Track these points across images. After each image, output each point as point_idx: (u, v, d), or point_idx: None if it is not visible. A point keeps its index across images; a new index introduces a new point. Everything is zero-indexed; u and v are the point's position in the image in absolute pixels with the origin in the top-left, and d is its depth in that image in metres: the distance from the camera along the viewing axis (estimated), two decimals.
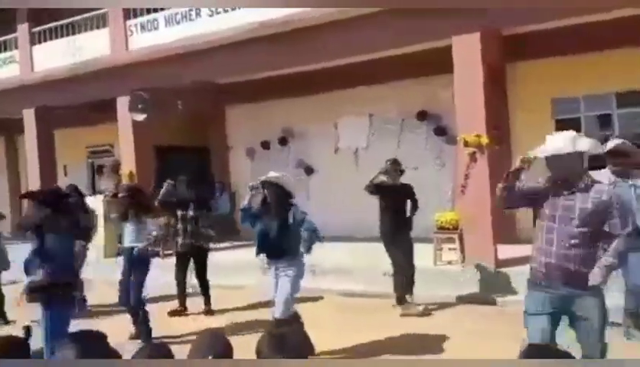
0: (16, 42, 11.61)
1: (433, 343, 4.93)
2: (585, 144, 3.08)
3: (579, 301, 3.01)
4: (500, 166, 7.19)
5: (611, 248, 3.00)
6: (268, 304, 6.08)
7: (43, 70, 11.00)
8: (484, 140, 6.84)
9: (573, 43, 7.45)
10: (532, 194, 3.19)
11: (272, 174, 4.75)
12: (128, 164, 10.25)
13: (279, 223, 4.58)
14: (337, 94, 9.93)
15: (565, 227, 3.01)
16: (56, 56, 10.75)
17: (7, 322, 6.60)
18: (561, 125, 8.20)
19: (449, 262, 7.29)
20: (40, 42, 11.26)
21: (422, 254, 7.02)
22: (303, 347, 2.02)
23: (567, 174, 3.07)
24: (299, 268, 4.64)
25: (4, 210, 14.42)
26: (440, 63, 7.46)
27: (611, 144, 4.64)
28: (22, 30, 11.38)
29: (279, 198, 4.63)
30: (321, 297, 6.28)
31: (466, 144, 6.96)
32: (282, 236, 4.57)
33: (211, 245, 6.85)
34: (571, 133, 3.16)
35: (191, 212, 6.47)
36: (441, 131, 9.23)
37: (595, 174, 4.55)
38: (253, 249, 4.82)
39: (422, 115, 9.41)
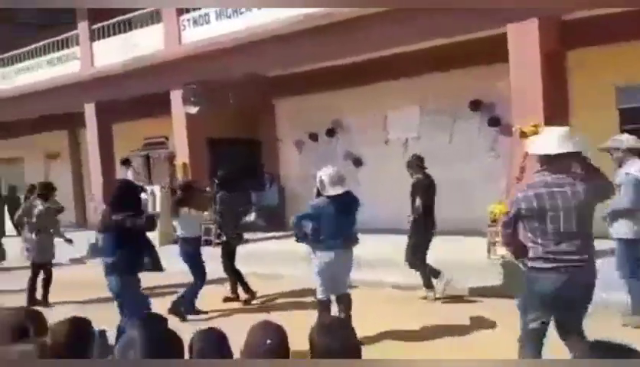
0: (77, 39, 12.14)
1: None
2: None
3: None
4: None
5: None
6: (302, 293, 6.37)
7: (102, 66, 11.45)
8: (542, 130, 6.57)
9: (639, 27, 7.02)
10: None
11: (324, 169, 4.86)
12: (182, 156, 10.55)
13: None
14: (387, 85, 9.80)
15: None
16: (114, 52, 11.16)
17: (48, 305, 6.95)
18: (625, 115, 7.79)
19: (502, 256, 7.08)
20: (99, 39, 11.72)
21: (476, 248, 6.89)
22: (352, 335, 2.04)
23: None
24: (318, 258, 4.79)
25: (68, 199, 15.26)
26: (494, 52, 7.23)
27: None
28: (82, 27, 11.88)
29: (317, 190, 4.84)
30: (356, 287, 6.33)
31: (522, 134, 6.69)
32: None
33: (259, 236, 7.02)
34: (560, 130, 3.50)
35: (219, 208, 6.80)
36: (495, 122, 8.95)
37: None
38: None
39: (475, 105, 9.15)
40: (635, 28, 7.07)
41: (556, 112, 6.93)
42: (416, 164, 6.20)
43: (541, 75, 6.65)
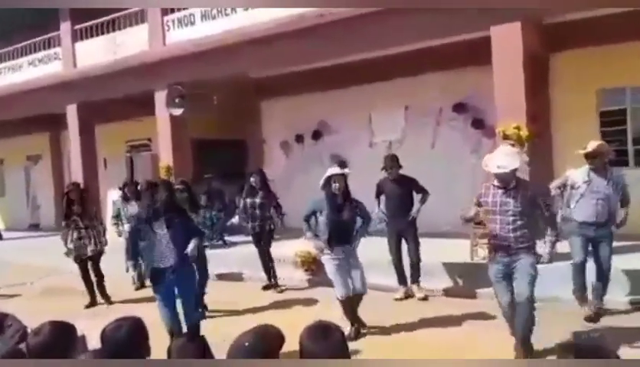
0: (59, 39, 11.97)
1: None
2: (518, 161, 4.30)
3: (517, 264, 4.20)
4: (540, 159, 6.99)
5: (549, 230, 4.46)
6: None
7: (85, 67, 11.31)
8: (524, 132, 6.64)
9: (620, 31, 7.14)
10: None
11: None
12: (166, 158, 10.44)
13: None
14: (373, 87, 9.81)
15: (503, 217, 4.19)
16: (97, 53, 11.04)
17: (111, 302, 7.14)
18: (606, 117, 7.91)
19: (484, 258, 7.13)
20: (82, 39, 11.58)
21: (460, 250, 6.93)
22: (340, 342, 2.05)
23: (507, 180, 4.21)
24: None
25: (49, 202, 15.02)
26: (479, 55, 7.29)
27: (591, 145, 5.08)
28: (65, 27, 11.72)
29: None
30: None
31: (505, 136, 6.78)
32: None
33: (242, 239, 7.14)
34: (512, 150, 4.63)
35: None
36: (479, 124, 9.02)
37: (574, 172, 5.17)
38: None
39: (459, 108, 9.22)
40: (615, 31, 7.19)
41: (537, 113, 7.01)
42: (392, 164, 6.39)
43: (524, 77, 6.72)
